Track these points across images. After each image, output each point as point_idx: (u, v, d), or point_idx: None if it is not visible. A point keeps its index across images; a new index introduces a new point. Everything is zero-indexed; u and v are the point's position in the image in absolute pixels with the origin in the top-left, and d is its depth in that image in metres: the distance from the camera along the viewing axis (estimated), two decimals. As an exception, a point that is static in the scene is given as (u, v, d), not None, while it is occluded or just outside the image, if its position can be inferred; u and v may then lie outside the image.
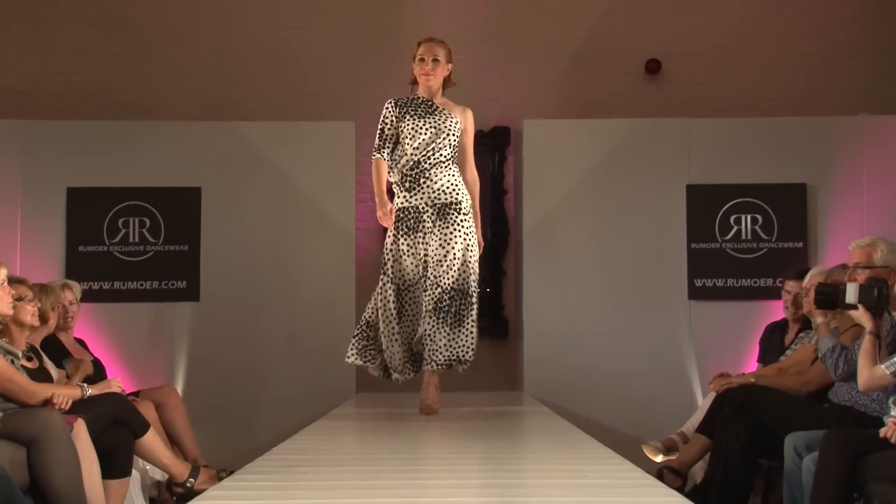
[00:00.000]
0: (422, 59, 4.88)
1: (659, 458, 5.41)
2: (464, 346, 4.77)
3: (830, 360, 4.41)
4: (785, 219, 6.55)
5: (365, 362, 4.92)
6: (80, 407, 4.34)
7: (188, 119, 6.90)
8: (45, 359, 4.74)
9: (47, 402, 4.24)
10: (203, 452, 5.38)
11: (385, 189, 4.86)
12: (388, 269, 4.86)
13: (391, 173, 4.92)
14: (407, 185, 4.85)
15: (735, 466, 4.54)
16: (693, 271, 6.55)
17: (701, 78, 7.31)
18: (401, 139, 4.87)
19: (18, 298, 4.44)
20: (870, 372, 4.03)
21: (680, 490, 4.91)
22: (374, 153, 4.92)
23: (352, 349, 4.94)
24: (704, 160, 6.63)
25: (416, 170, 4.83)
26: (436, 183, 4.81)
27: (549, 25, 7.39)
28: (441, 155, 4.82)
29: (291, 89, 7.26)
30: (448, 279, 4.75)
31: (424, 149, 4.82)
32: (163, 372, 6.43)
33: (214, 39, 7.35)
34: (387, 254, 4.89)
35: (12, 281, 4.50)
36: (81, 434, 4.08)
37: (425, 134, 4.82)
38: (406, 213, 4.85)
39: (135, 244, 6.57)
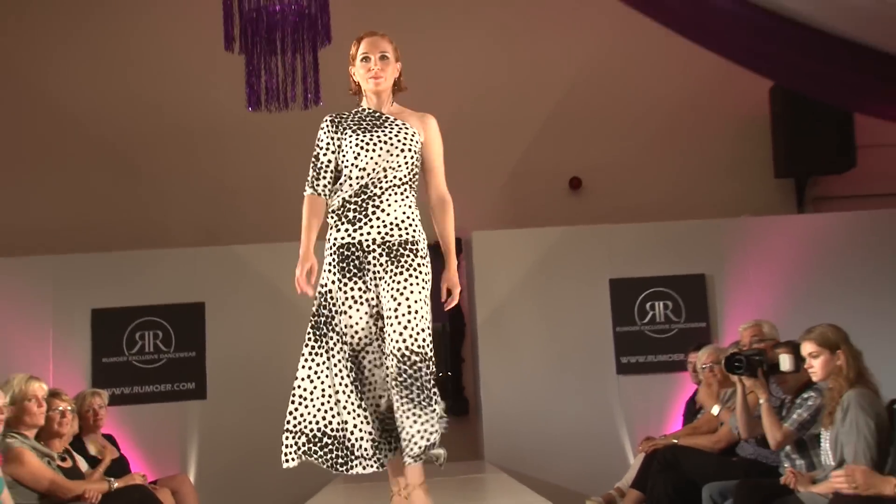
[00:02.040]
0: (366, 58, 3.41)
1: (600, 511, 5.48)
2: (430, 428, 3.24)
3: (733, 423, 4.60)
4: (690, 304, 6.72)
5: (308, 457, 3.44)
6: (108, 499, 4.39)
7: (191, 245, 7.04)
8: (78, 458, 4.79)
9: (80, 498, 4.29)
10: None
11: (314, 236, 3.43)
12: (333, 324, 3.34)
13: (331, 203, 3.44)
14: (350, 214, 3.36)
15: (666, 516, 4.66)
16: (619, 350, 6.68)
17: (616, 190, 7.54)
18: (343, 161, 3.41)
19: (50, 409, 4.53)
20: (781, 433, 4.15)
21: (619, 538, 5.01)
22: (307, 187, 3.46)
23: (288, 449, 3.45)
24: (623, 258, 6.81)
25: (362, 196, 3.36)
26: (388, 215, 3.35)
27: (487, 148, 7.52)
28: (396, 177, 3.38)
29: (278, 214, 7.33)
30: (406, 343, 3.22)
31: (373, 169, 3.36)
32: (177, 462, 6.43)
33: (211, 175, 7.47)
34: (326, 303, 3.37)
35: (51, 395, 4.59)
36: (110, 524, 4.13)
37: (373, 151, 3.36)
38: (350, 249, 3.35)
39: (150, 353, 6.63)
